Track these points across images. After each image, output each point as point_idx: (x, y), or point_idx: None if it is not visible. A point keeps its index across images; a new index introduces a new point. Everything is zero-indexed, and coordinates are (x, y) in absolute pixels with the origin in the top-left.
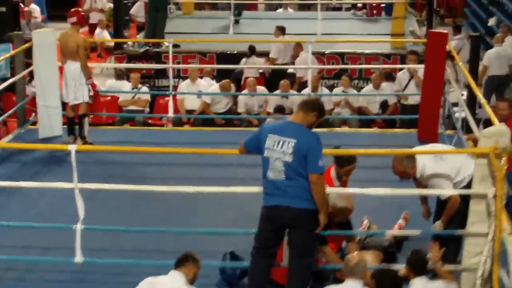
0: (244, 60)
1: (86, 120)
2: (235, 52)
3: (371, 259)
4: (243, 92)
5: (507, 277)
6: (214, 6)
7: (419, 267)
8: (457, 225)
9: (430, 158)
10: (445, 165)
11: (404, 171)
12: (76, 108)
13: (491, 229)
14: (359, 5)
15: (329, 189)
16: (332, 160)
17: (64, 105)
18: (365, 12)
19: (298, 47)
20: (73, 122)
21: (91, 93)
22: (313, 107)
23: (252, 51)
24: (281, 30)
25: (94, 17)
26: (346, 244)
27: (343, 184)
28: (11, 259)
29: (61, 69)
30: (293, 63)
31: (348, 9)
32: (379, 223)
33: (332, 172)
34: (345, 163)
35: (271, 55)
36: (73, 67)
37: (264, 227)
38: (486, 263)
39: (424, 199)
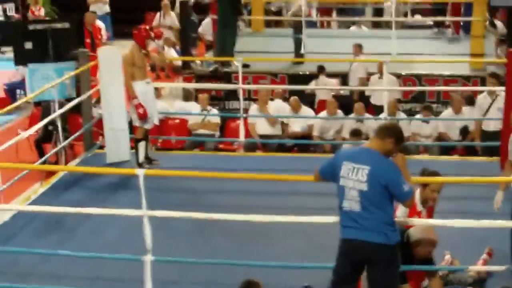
0: (313, 81)
1: (141, 145)
2: (307, 72)
3: None
4: (320, 115)
5: None
6: (283, 24)
7: None
8: None
9: None
10: None
11: None
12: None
13: None
14: (446, 23)
15: (410, 221)
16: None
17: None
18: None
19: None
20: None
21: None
22: (389, 133)
23: (320, 71)
24: (360, 48)
25: None
26: (427, 281)
27: (429, 212)
28: None
29: None
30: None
31: (428, 27)
32: (461, 258)
33: (417, 196)
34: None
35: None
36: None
37: (341, 261)
38: None
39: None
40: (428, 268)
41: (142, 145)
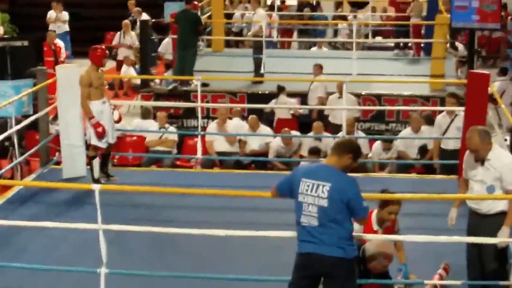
0: (273, 100)
1: (95, 161)
2: (267, 92)
3: None
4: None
5: None
6: (243, 44)
7: None
8: None
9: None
10: None
11: (481, 144)
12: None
13: None
14: (409, 44)
15: (367, 236)
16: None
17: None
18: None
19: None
20: (106, 159)
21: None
22: (347, 149)
23: (280, 90)
24: (320, 68)
25: (122, 54)
26: None
27: (386, 232)
28: None
29: None
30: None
31: (389, 49)
32: (417, 273)
33: (373, 216)
34: (386, 202)
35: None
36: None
37: (298, 274)
38: None
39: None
40: (384, 282)
41: (96, 162)
